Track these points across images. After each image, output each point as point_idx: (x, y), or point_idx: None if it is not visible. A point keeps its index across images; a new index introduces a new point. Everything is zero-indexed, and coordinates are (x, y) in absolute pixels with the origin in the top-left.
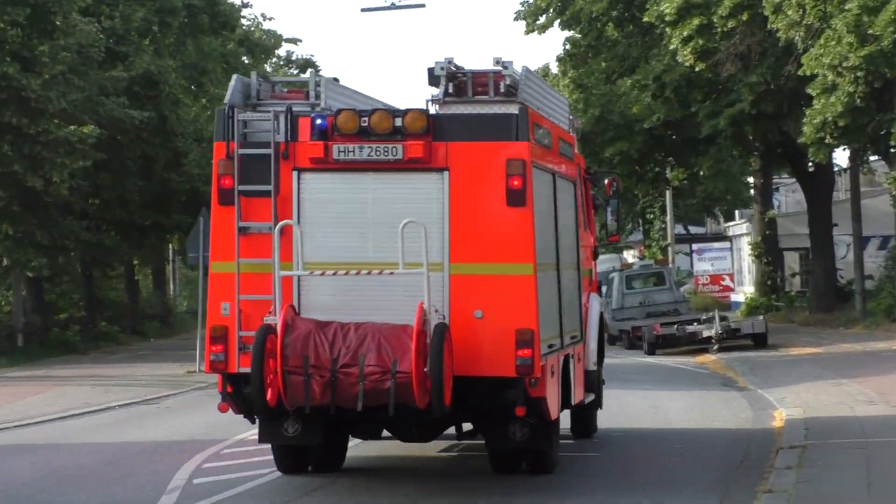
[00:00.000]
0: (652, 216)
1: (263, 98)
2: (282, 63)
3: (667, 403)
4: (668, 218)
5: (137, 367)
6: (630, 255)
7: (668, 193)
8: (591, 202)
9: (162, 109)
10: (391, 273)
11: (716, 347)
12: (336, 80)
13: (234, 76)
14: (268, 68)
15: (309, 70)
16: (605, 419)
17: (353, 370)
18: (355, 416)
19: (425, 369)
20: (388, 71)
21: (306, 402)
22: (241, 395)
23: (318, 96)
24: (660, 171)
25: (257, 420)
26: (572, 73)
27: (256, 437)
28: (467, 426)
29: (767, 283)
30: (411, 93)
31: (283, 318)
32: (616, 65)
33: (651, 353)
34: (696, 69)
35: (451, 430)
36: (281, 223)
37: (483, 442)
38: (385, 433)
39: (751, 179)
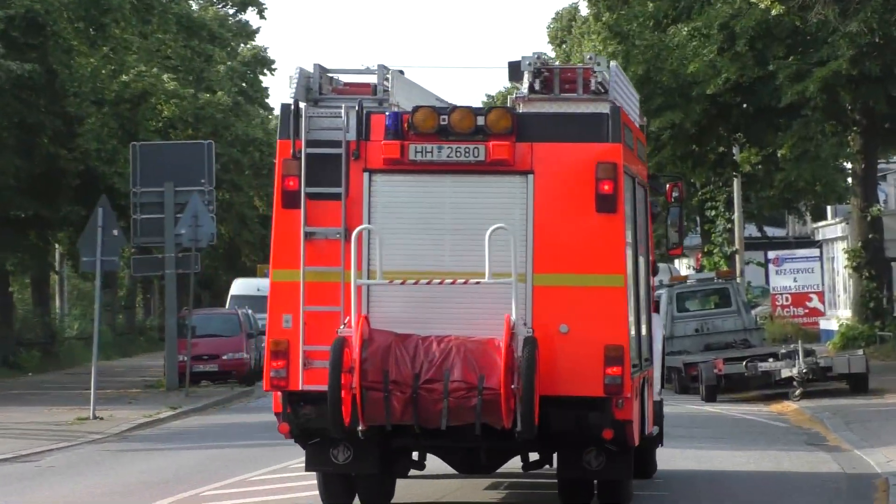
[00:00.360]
0: (714, 213)
1: (325, 92)
2: None
3: (728, 468)
4: (737, 215)
5: (10, 411)
6: (684, 266)
7: (735, 182)
8: (651, 209)
9: (49, 61)
10: (477, 283)
11: (798, 392)
12: (401, 72)
13: (297, 68)
14: (193, 5)
15: (372, 64)
16: (639, 486)
17: (436, 386)
18: (430, 437)
19: (512, 386)
20: (343, 10)
21: (387, 420)
22: (298, 415)
23: (385, 91)
24: (725, 151)
25: (307, 446)
26: (608, 16)
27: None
28: (533, 456)
29: (869, 306)
30: (376, 38)
31: (360, 330)
32: (668, 6)
33: (710, 398)
34: (774, 13)
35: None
36: (358, 228)
37: (531, 480)
38: (411, 468)
39: (848, 165)
